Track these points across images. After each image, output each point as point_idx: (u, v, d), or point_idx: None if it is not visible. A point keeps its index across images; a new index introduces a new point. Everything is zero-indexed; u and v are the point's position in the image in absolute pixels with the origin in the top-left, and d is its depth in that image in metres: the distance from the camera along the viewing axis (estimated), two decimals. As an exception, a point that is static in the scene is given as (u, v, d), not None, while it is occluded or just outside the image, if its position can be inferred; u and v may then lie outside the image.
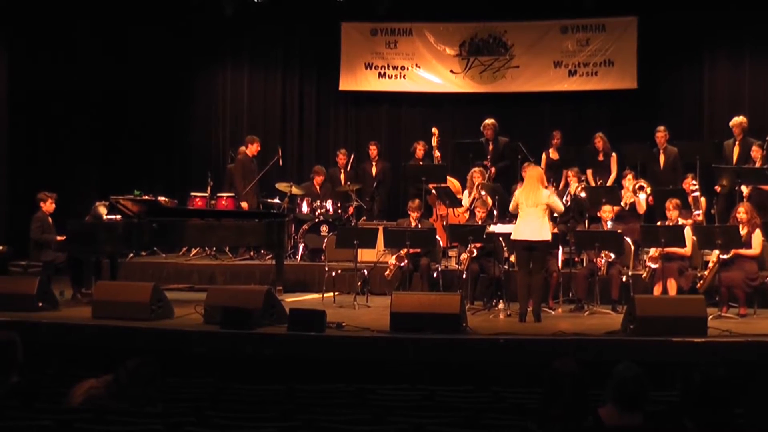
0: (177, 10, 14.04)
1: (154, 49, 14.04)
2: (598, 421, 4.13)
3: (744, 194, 10.77)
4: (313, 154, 14.49)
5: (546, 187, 9.59)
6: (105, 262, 10.93)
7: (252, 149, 12.94)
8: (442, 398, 5.88)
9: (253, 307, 8.73)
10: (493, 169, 12.32)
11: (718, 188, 11.20)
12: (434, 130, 12.77)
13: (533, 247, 9.34)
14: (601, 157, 12.09)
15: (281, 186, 12.65)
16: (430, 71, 14.21)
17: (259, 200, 12.89)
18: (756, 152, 11.14)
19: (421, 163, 12.73)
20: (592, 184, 11.76)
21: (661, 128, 11.97)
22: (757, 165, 11.02)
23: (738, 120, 11.60)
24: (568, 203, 10.92)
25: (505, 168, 12.53)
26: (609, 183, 11.88)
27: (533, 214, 9.28)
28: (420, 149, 12.79)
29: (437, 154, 12.72)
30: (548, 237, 9.38)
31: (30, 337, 5.91)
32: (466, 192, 11.93)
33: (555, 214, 9.79)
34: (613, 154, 12.13)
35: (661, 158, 11.89)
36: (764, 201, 10.84)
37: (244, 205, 12.58)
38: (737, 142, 11.54)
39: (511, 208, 9.75)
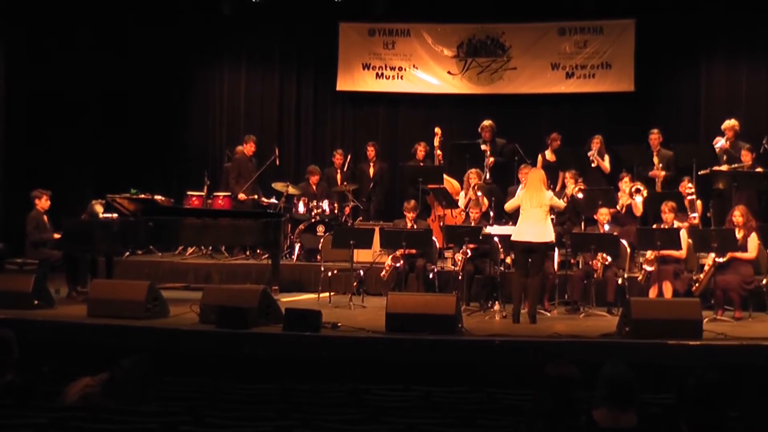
0: (175, 10, 14.03)
1: (152, 47, 14.03)
2: (592, 423, 4.14)
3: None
4: (310, 154, 14.49)
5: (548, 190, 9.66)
6: (101, 260, 10.92)
7: (247, 148, 12.97)
8: (437, 399, 5.88)
9: (249, 307, 8.73)
10: (491, 159, 12.27)
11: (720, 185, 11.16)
12: (437, 130, 12.76)
13: (533, 249, 9.36)
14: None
15: (278, 186, 12.66)
16: (428, 72, 14.21)
17: (252, 200, 12.84)
18: (746, 156, 11.14)
19: (421, 164, 12.74)
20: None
21: (655, 131, 11.99)
22: (746, 167, 11.04)
23: (730, 123, 11.61)
24: (566, 204, 10.93)
25: (503, 164, 12.50)
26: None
27: (536, 215, 9.30)
28: (421, 150, 12.80)
29: (439, 153, 12.72)
30: (551, 238, 9.45)
31: (25, 334, 5.89)
32: (462, 193, 11.94)
33: (552, 216, 9.80)
34: (606, 155, 12.13)
35: (655, 161, 11.90)
36: (752, 203, 10.83)
37: (242, 196, 12.59)
38: (728, 145, 11.54)
39: (507, 207, 9.76)
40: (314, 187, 12.76)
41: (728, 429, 4.08)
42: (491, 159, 12.30)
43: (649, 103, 13.61)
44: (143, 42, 13.98)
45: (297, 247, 12.08)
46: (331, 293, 10.73)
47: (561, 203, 9.79)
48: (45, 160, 12.96)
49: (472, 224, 10.46)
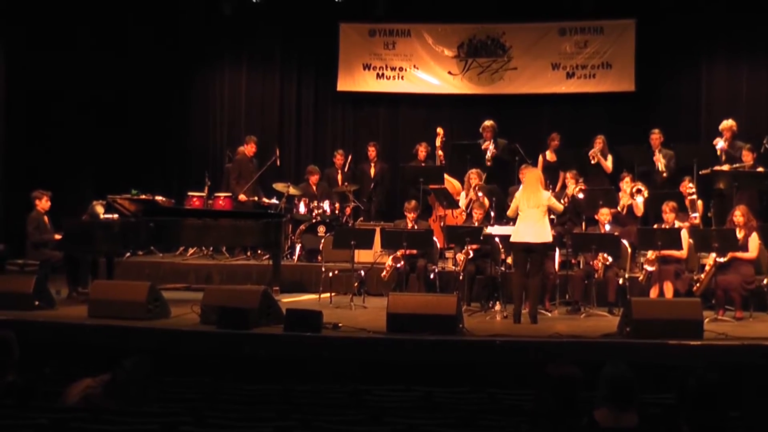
0: (175, 10, 14.03)
1: (152, 47, 14.04)
2: (594, 423, 4.14)
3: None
4: (310, 155, 14.49)
5: (545, 189, 9.63)
6: (102, 261, 10.92)
7: (248, 149, 12.97)
8: (438, 399, 5.88)
9: (250, 307, 8.73)
10: (492, 151, 12.27)
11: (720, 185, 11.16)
12: (439, 130, 12.75)
13: (532, 249, 9.35)
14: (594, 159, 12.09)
15: (279, 186, 12.67)
16: (428, 72, 14.22)
17: (253, 201, 12.83)
18: (747, 156, 11.13)
19: (423, 164, 12.73)
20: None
21: (656, 131, 11.99)
22: (747, 167, 11.02)
23: (728, 124, 11.60)
24: (566, 205, 10.92)
25: (504, 164, 12.49)
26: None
27: (534, 215, 9.29)
28: (422, 151, 12.81)
29: (440, 153, 12.72)
30: (549, 239, 9.43)
31: (26, 335, 5.89)
32: (463, 193, 11.93)
33: (552, 216, 9.79)
34: (609, 155, 12.13)
35: (656, 160, 11.89)
36: (753, 203, 10.82)
37: (242, 197, 12.59)
38: (726, 145, 11.52)
39: (510, 212, 9.75)
40: (314, 187, 12.76)
41: (729, 429, 4.08)
42: (493, 151, 12.30)
43: (650, 103, 13.60)
44: (143, 42, 13.99)
45: (298, 247, 12.08)
46: (332, 294, 10.72)
47: (559, 206, 9.70)
48: (45, 160, 12.96)
49: (475, 225, 10.46)
